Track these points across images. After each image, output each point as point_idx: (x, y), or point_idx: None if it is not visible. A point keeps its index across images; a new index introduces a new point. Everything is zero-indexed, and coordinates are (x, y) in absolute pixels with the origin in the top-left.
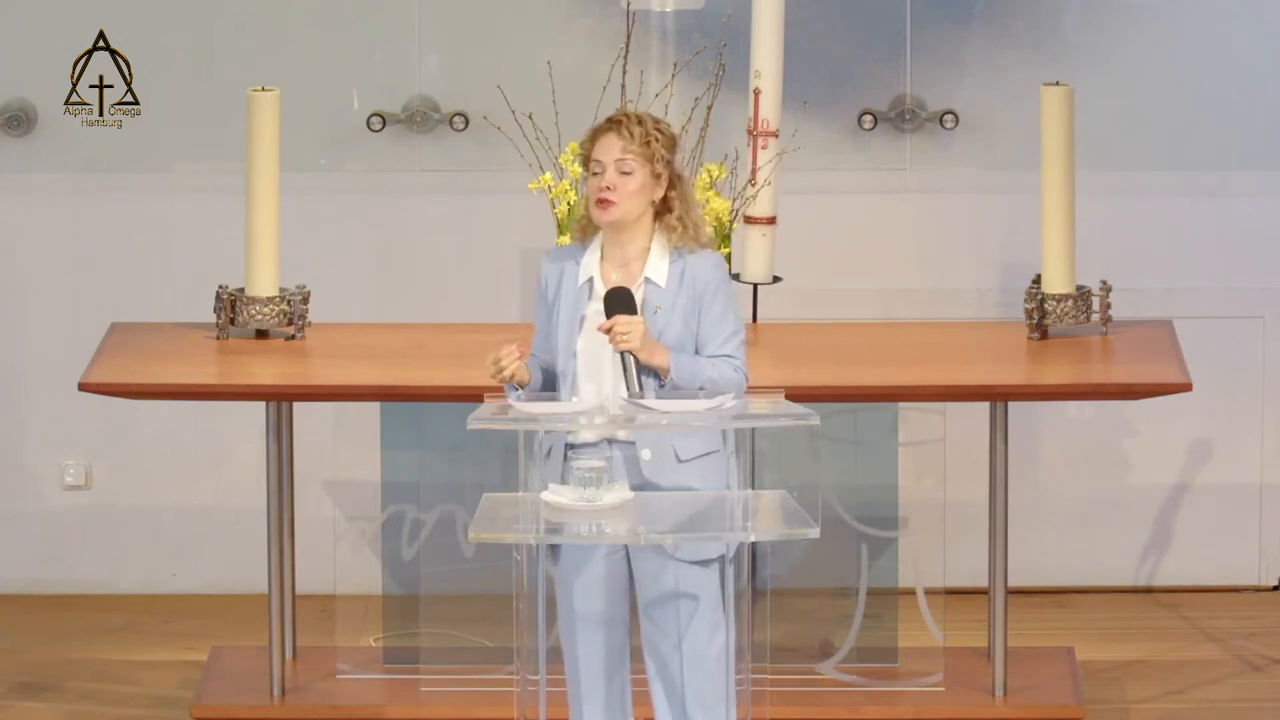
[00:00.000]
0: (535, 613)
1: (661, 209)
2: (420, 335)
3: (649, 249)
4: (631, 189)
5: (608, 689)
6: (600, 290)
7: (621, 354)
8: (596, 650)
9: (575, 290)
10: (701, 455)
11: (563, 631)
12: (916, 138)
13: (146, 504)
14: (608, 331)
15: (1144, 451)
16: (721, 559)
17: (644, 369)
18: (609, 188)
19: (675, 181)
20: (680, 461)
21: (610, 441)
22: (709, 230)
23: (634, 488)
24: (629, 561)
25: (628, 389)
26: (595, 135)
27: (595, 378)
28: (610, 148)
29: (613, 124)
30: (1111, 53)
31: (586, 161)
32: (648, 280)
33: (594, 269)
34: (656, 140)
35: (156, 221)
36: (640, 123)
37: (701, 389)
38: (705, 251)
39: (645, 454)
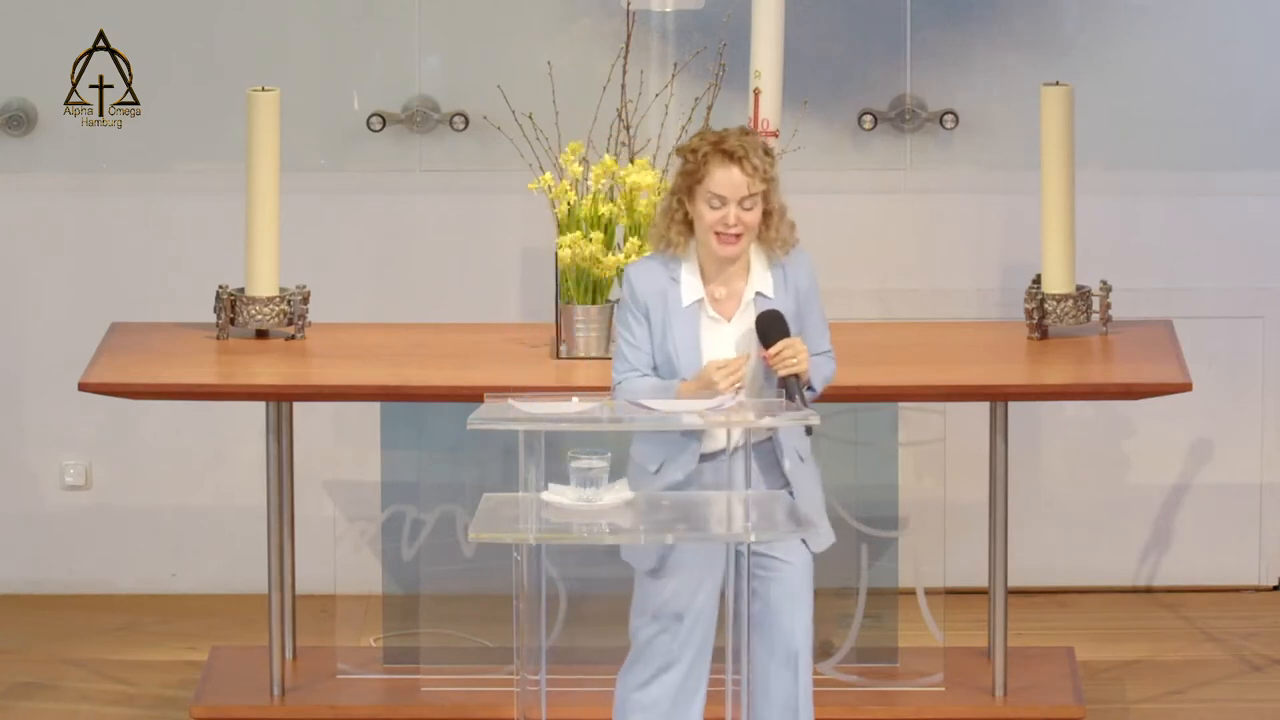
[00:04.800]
0: (535, 613)
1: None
2: (420, 335)
3: (749, 263)
4: (753, 223)
5: (699, 689)
6: (711, 312)
7: (783, 376)
8: (701, 649)
9: (683, 312)
10: (810, 453)
11: (660, 627)
12: (916, 138)
13: (146, 504)
14: (774, 356)
15: (1144, 451)
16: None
17: (799, 387)
18: (735, 223)
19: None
20: (802, 460)
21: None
22: (797, 232)
23: (778, 488)
24: (732, 557)
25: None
26: (708, 161)
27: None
28: (735, 185)
29: (734, 159)
30: (1111, 53)
31: (692, 180)
32: (759, 295)
33: (698, 290)
34: (770, 165)
35: (156, 221)
36: (754, 151)
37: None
38: (799, 251)
39: (787, 464)
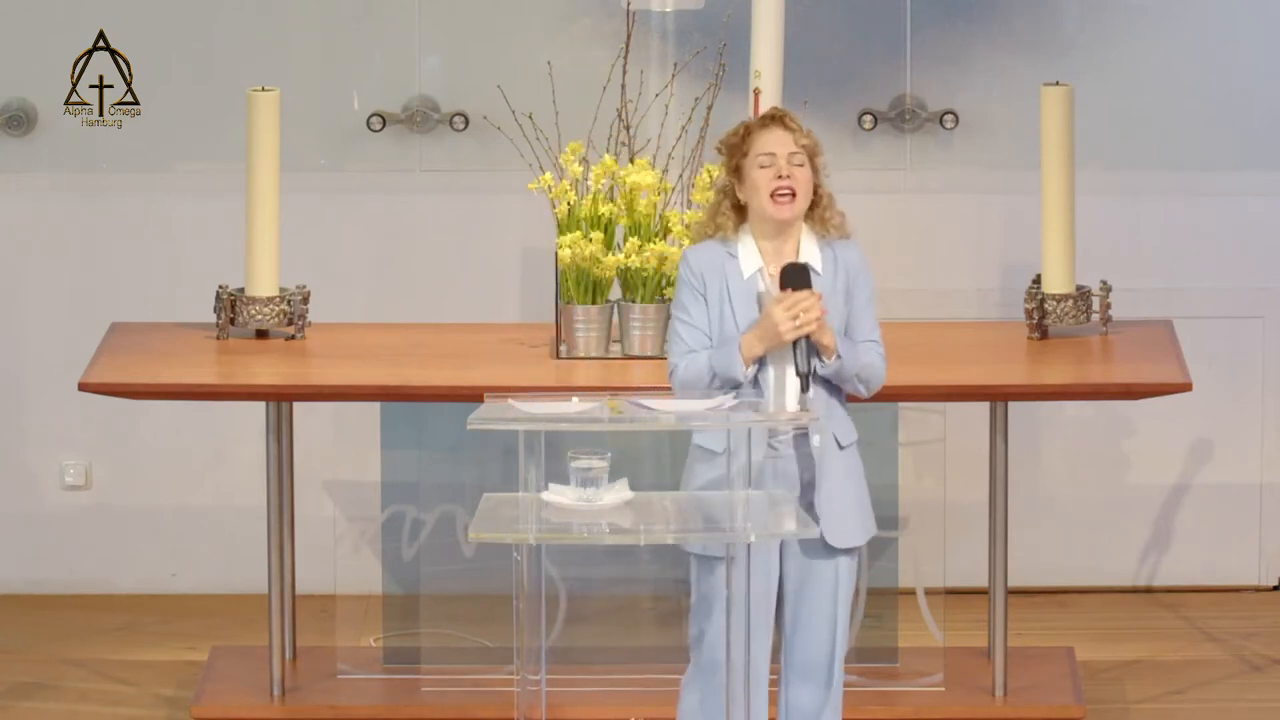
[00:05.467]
0: (535, 613)
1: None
2: (420, 335)
3: (800, 241)
4: (805, 181)
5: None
6: (764, 284)
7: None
8: (764, 650)
9: (744, 283)
10: (853, 443)
11: (729, 634)
12: (916, 138)
13: (146, 504)
14: (784, 305)
15: (1144, 451)
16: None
17: (812, 349)
18: (788, 177)
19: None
20: (841, 448)
21: (785, 433)
22: (849, 224)
23: (804, 477)
24: (780, 557)
25: (797, 368)
26: (750, 131)
27: (778, 360)
28: (781, 141)
29: (775, 120)
30: (1111, 53)
31: (739, 157)
32: (808, 266)
33: (756, 260)
34: (813, 138)
35: (156, 221)
36: (794, 115)
37: (857, 375)
38: (851, 241)
39: (815, 440)
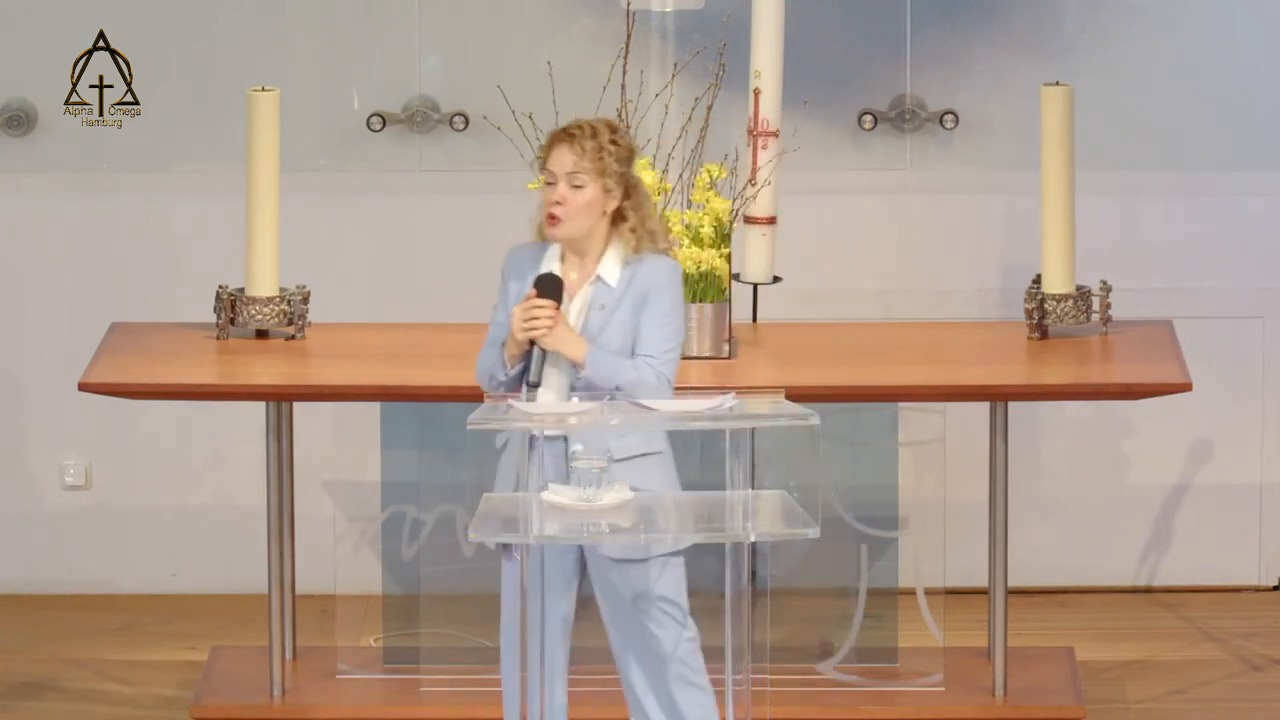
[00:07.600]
0: (536, 613)
1: (617, 217)
2: (420, 335)
3: (605, 252)
4: (580, 204)
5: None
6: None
7: (531, 341)
8: (560, 650)
9: None
10: (638, 455)
11: (519, 630)
12: (916, 138)
13: (146, 504)
14: (520, 308)
15: (1144, 451)
16: (679, 554)
17: (559, 359)
18: (559, 202)
19: (630, 191)
20: (614, 461)
21: (543, 437)
22: (671, 235)
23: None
24: (583, 561)
25: (526, 378)
26: (551, 143)
27: (557, 363)
28: (563, 160)
29: (567, 136)
30: (1111, 53)
31: (544, 166)
32: (599, 279)
33: (554, 266)
34: (609, 154)
35: (157, 221)
36: (595, 135)
37: (617, 389)
38: (662, 257)
39: (577, 448)
